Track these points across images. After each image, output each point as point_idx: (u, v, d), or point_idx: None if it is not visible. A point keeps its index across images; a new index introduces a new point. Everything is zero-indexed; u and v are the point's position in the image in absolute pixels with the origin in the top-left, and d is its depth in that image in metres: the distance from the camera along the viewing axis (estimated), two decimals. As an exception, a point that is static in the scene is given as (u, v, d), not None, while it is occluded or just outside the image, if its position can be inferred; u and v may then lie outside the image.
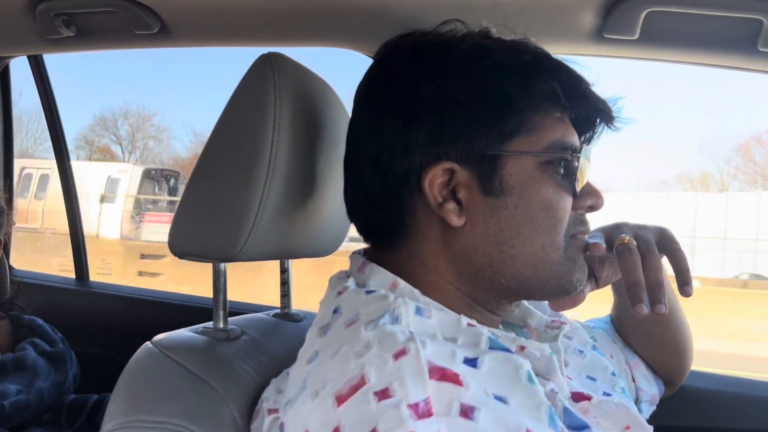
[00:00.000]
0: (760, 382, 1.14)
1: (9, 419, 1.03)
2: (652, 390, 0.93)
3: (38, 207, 10.28)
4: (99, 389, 1.19)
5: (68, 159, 1.61)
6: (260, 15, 1.08)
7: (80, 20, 1.21)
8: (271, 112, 0.68)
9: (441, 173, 0.61)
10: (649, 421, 0.89)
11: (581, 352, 0.80)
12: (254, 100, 0.69)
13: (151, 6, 1.11)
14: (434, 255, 0.64)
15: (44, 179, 10.29)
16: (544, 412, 0.50)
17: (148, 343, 0.69)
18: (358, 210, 0.69)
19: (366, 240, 0.70)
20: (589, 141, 0.69)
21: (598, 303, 0.89)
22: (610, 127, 0.68)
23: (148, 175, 12.31)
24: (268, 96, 0.68)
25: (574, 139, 0.64)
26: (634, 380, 0.92)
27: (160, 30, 1.16)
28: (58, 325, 1.27)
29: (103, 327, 1.50)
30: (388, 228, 0.65)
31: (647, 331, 0.92)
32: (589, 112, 0.67)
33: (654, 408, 0.93)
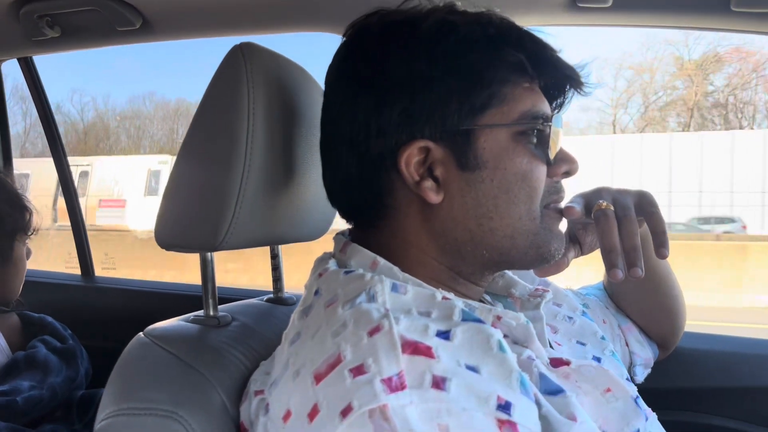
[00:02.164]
0: (748, 339, 1.14)
1: (23, 414, 1.05)
2: (645, 353, 0.94)
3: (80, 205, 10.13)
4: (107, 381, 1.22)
5: (65, 156, 1.63)
6: (237, 4, 1.09)
7: (64, 21, 1.22)
8: (245, 101, 0.68)
9: (416, 152, 0.61)
10: (645, 383, 0.91)
11: (570, 318, 0.81)
12: (228, 90, 0.69)
13: (132, 3, 1.12)
14: (415, 232, 0.65)
15: (84, 177, 10.27)
16: (515, 379, 0.51)
17: (140, 333, 0.71)
18: (337, 193, 0.69)
19: (348, 221, 0.71)
20: (560, 108, 0.70)
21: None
22: (579, 92, 0.68)
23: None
24: (241, 85, 0.69)
25: (545, 108, 0.65)
26: (627, 344, 0.93)
27: (142, 26, 1.17)
28: (67, 322, 1.30)
29: (111, 321, 1.52)
30: (368, 209, 0.66)
31: (638, 297, 0.93)
32: (558, 80, 0.67)
33: (649, 371, 0.95)
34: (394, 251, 0.65)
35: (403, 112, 0.61)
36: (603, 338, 0.80)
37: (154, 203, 0.72)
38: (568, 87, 0.68)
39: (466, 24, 0.62)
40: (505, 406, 0.49)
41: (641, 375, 0.94)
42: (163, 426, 0.58)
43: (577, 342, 0.79)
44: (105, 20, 1.17)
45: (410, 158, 0.61)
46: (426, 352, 0.50)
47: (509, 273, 0.78)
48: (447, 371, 0.49)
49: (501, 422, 0.48)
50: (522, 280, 0.77)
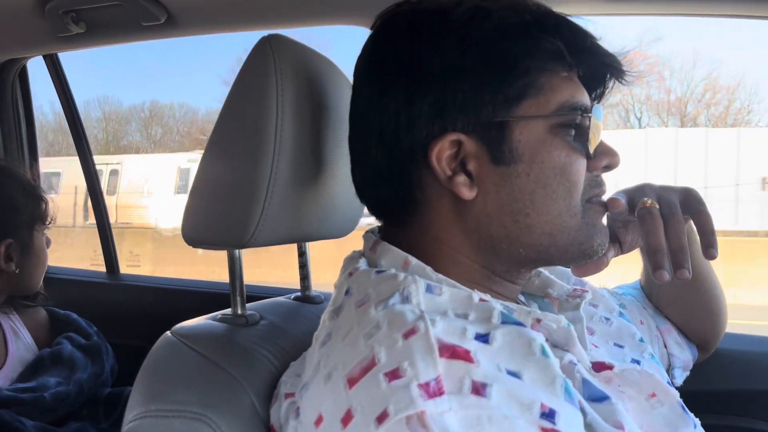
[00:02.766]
0: None
1: (50, 410, 1.05)
2: (684, 355, 0.90)
3: (110, 202, 10.15)
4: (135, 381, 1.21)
5: (90, 155, 1.63)
6: (262, -1, 1.07)
7: (89, 16, 1.22)
8: (273, 95, 0.67)
9: (448, 145, 0.59)
10: (684, 386, 0.88)
11: (607, 319, 0.79)
12: (256, 83, 0.68)
13: (156, -3, 1.11)
14: (447, 229, 0.62)
15: (114, 175, 10.33)
16: (559, 386, 0.48)
17: (167, 333, 0.69)
18: (366, 188, 0.67)
19: (377, 218, 0.69)
20: (600, 98, 0.66)
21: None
22: (620, 82, 0.65)
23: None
24: (270, 78, 0.67)
25: (584, 98, 0.62)
26: (665, 346, 0.90)
27: (166, 21, 1.16)
28: (93, 319, 1.30)
29: (136, 318, 1.52)
30: (398, 205, 0.64)
31: (678, 296, 0.90)
32: (597, 68, 0.64)
33: (687, 373, 0.91)
34: (426, 249, 0.62)
35: (434, 104, 0.59)
36: (642, 340, 0.77)
37: (184, 201, 0.70)
38: (608, 76, 0.65)
39: (500, 10, 0.59)
40: (549, 414, 0.46)
41: (680, 378, 0.91)
42: (192, 428, 0.56)
43: (615, 344, 0.76)
44: (130, 15, 1.17)
45: (442, 152, 0.59)
46: (465, 356, 0.48)
47: (545, 272, 0.75)
48: (487, 376, 0.47)
49: (545, 431, 0.45)
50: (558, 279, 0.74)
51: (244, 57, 0.71)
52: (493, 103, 0.58)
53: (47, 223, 1.24)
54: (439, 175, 0.59)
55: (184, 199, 0.71)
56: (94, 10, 1.18)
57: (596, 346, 0.72)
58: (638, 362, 0.73)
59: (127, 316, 1.53)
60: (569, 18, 0.61)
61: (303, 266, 0.91)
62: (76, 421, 1.11)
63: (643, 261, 0.90)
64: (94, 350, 1.21)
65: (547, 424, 0.45)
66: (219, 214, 0.68)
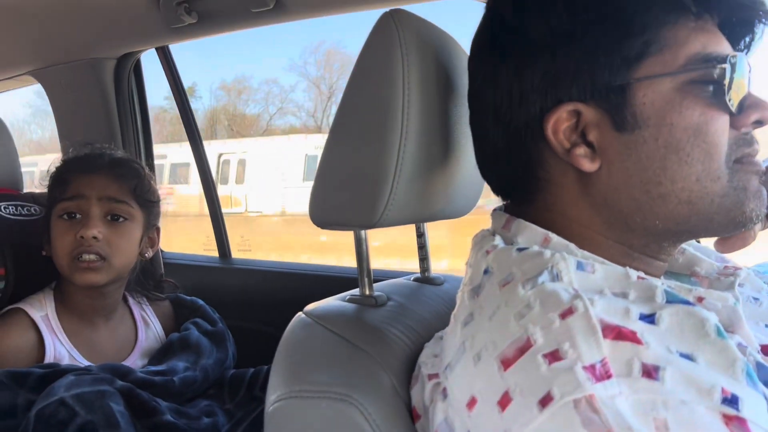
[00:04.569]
0: None
1: (179, 394, 1.10)
2: None
3: (240, 192, 10.14)
4: (253, 363, 1.25)
5: (202, 146, 1.68)
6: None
7: (200, 6, 1.25)
8: (399, 71, 0.65)
9: (565, 116, 0.55)
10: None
11: (756, 299, 0.72)
12: (381, 60, 0.66)
13: (266, -18, 1.12)
14: (574, 205, 0.59)
15: (242, 164, 10.29)
16: (740, 369, 0.44)
17: (300, 313, 0.70)
18: (487, 167, 0.65)
19: (500, 196, 0.67)
20: (748, 47, 0.60)
21: None
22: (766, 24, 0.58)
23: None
24: (395, 54, 0.65)
25: (721, 48, 0.55)
26: None
27: (275, 6, 1.17)
28: (209, 303, 1.35)
29: (250, 302, 1.56)
30: (520, 183, 0.61)
31: None
32: (737, 12, 0.57)
33: None
34: (555, 228, 0.59)
35: (545, 75, 0.55)
36: None
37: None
38: (756, 21, 0.58)
39: None
40: (731, 400, 0.42)
41: None
42: (338, 410, 0.56)
43: (766, 326, 0.70)
44: (239, 3, 1.19)
45: (558, 124, 0.55)
46: (631, 337, 0.45)
47: (691, 249, 0.70)
48: (659, 359, 0.44)
49: (728, 418, 0.42)
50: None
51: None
52: (611, 66, 0.54)
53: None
54: (557, 148, 0.56)
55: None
56: (205, 0, 1.21)
57: None
58: None
59: (240, 299, 1.58)
60: None
61: (422, 247, 0.90)
62: (203, 399, 1.16)
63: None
64: (219, 337, 1.25)
65: (730, 411, 0.42)
66: (347, 196, 0.68)
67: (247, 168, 10.16)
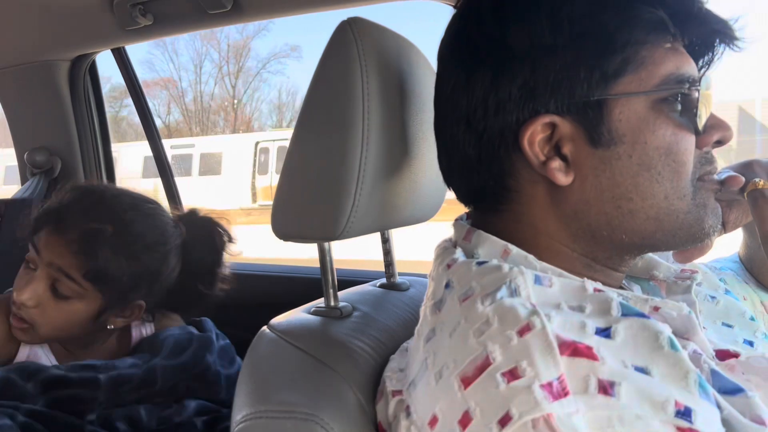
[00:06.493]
0: None
1: (111, 393, 1.00)
2: None
3: (266, 182, 9.45)
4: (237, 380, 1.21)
5: (161, 142, 1.63)
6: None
7: (156, 8, 1.22)
8: (358, 81, 0.64)
9: (541, 129, 0.55)
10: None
11: (713, 297, 0.74)
12: (340, 70, 0.65)
13: (223, -16, 1.10)
14: (543, 217, 0.59)
15: (282, 152, 9.55)
16: (693, 381, 0.45)
17: (265, 327, 0.69)
18: (454, 176, 0.64)
19: (466, 205, 0.66)
20: (708, 66, 0.61)
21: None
22: (732, 48, 0.59)
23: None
24: (354, 63, 0.65)
25: (691, 69, 0.57)
26: None
27: (233, 7, 1.15)
28: None
29: (222, 304, 1.52)
30: (490, 192, 0.61)
31: None
32: (706, 36, 0.58)
33: None
34: (521, 238, 0.59)
35: (524, 86, 0.55)
36: (752, 318, 0.72)
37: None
38: (717, 42, 0.60)
39: None
40: (684, 413, 0.43)
41: None
42: (304, 429, 0.56)
43: (723, 324, 0.72)
44: (196, 4, 1.16)
45: (534, 136, 0.55)
46: (587, 353, 0.46)
47: (650, 254, 0.71)
48: (614, 374, 0.44)
49: (682, 431, 0.43)
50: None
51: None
52: (589, 81, 0.54)
53: None
54: (532, 160, 0.56)
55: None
56: (161, 2, 1.19)
57: (704, 328, 0.69)
58: (751, 343, 0.69)
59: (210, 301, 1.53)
60: None
61: (387, 253, 0.90)
62: (193, 399, 1.07)
63: (744, 235, 0.85)
64: (203, 342, 1.13)
65: (684, 423, 0.43)
66: (310, 208, 0.67)
67: (270, 160, 9.59)
